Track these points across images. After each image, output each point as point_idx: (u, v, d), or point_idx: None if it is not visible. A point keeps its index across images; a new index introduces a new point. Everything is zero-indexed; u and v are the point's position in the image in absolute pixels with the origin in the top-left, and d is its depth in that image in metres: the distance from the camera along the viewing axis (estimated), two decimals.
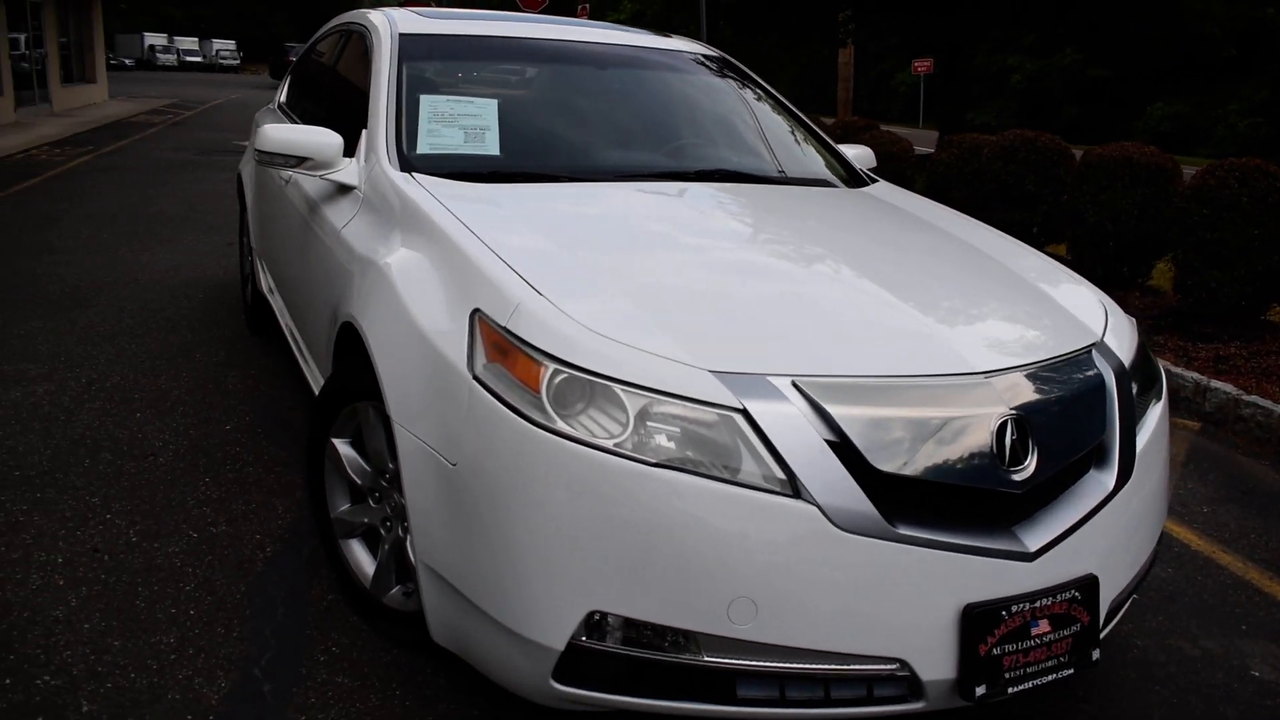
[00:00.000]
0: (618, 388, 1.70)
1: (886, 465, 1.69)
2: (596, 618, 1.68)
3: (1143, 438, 2.04)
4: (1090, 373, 2.00)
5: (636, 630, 1.69)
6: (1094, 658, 1.85)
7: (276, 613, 2.40)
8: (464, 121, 2.84)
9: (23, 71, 16.56)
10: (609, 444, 1.67)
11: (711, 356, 1.75)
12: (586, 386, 1.71)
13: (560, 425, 1.69)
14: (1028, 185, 6.72)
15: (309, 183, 3.08)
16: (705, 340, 1.79)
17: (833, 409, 1.70)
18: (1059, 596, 1.78)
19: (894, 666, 1.71)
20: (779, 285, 2.09)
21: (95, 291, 5.38)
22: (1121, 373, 2.05)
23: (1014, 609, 1.73)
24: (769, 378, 1.72)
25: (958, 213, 2.94)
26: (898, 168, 8.47)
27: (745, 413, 1.67)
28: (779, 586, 1.64)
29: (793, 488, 1.65)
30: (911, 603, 1.68)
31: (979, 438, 1.76)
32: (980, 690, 1.71)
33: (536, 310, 1.83)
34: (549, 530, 1.68)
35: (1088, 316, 2.22)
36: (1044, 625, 1.77)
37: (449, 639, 1.94)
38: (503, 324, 1.83)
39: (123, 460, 3.21)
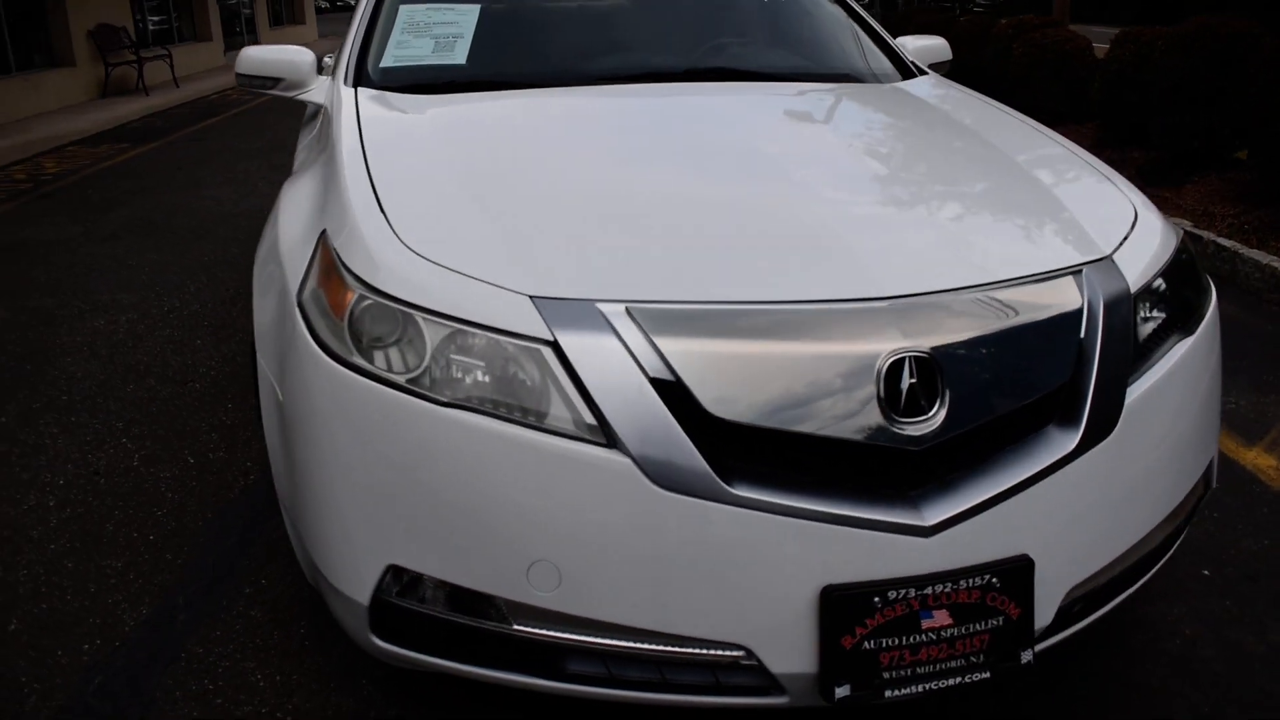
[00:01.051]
0: (418, 315, 1.47)
1: (728, 411, 1.37)
2: (399, 573, 1.50)
3: (1147, 384, 1.58)
4: (1065, 298, 1.55)
5: (443, 589, 1.50)
6: (1024, 660, 1.46)
7: (228, 542, 2.40)
8: (437, 30, 2.65)
9: (233, 16, 17.88)
10: (401, 380, 1.46)
11: (541, 280, 1.47)
12: (395, 316, 1.50)
13: (355, 358, 1.50)
14: (1204, 82, 5.65)
15: None
16: (545, 262, 1.52)
17: (664, 341, 1.39)
18: (967, 583, 1.40)
19: (739, 654, 1.42)
20: (677, 196, 1.76)
21: (216, 224, 5.71)
22: (1119, 300, 1.58)
23: (892, 595, 1.37)
24: (599, 304, 1.43)
25: (1007, 110, 2.42)
26: (1068, 68, 7.43)
27: (556, 345, 1.41)
28: (585, 552, 1.38)
29: (606, 436, 1.37)
30: (755, 581, 1.37)
31: (862, 380, 1.40)
32: (842, 691, 1.38)
33: (367, 230, 1.62)
34: (344, 476, 1.50)
35: (1101, 228, 1.73)
36: (942, 617, 1.40)
37: (310, 580, 1.83)
38: (334, 244, 1.66)
39: (162, 386, 3.36)
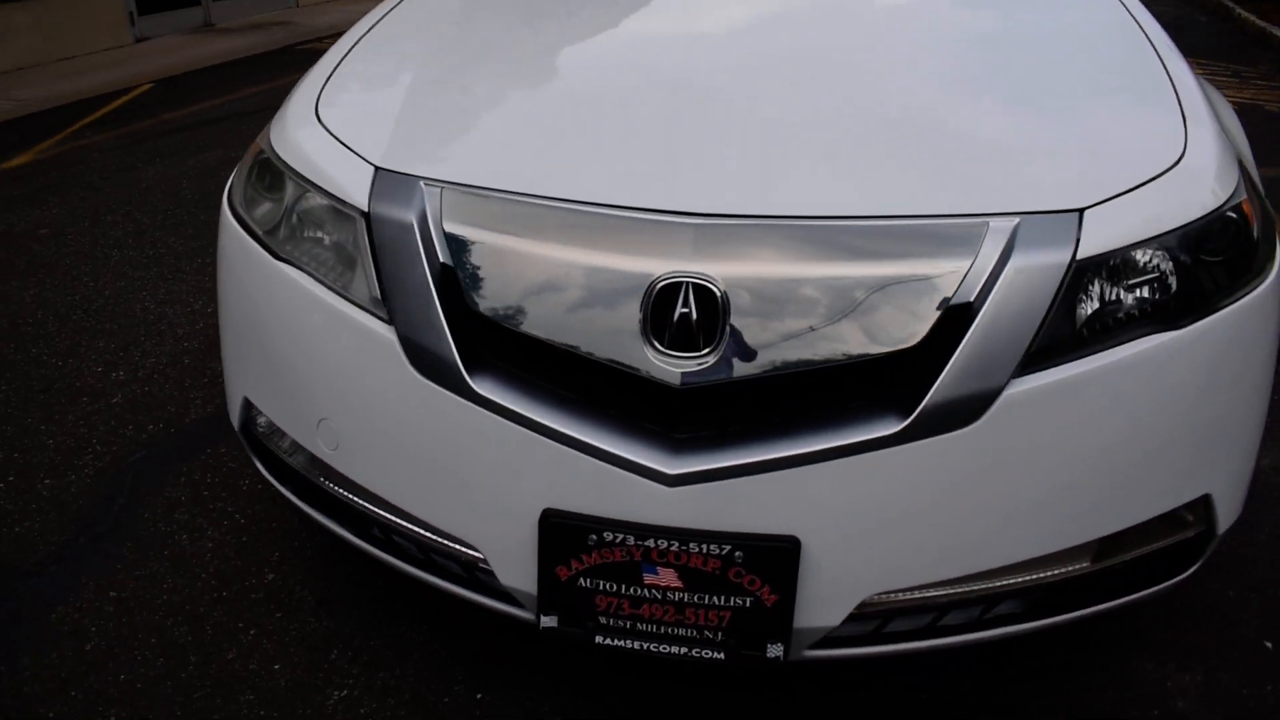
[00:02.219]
0: (286, 173, 1.55)
1: (488, 307, 1.30)
2: (249, 405, 1.63)
3: (1061, 376, 1.23)
4: (950, 252, 1.24)
5: (274, 428, 1.61)
6: (771, 654, 1.25)
7: (203, 411, 2.53)
8: None
9: None
10: (259, 231, 1.56)
11: (402, 154, 1.47)
12: (273, 171, 1.59)
13: (240, 209, 1.63)
14: None
15: None
16: (418, 140, 1.50)
17: (453, 225, 1.35)
18: (702, 549, 1.23)
19: (479, 557, 1.37)
20: (647, 90, 1.57)
21: None
22: (1046, 267, 1.23)
23: (609, 537, 1.25)
24: (423, 182, 1.41)
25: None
26: None
27: (367, 216, 1.41)
28: (355, 420, 1.40)
29: (388, 312, 1.38)
30: (487, 486, 1.31)
31: (629, 300, 1.25)
32: (549, 621, 1.29)
33: (299, 95, 1.72)
34: (225, 312, 1.66)
35: (1098, 172, 1.34)
36: (668, 577, 1.25)
37: None
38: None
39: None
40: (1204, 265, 1.34)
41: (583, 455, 1.26)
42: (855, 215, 1.27)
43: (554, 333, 1.28)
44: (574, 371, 1.30)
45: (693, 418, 1.26)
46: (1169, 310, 1.31)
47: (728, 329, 1.23)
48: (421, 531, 1.44)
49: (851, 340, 1.23)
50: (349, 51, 1.84)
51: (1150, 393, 1.29)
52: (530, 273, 1.30)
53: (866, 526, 1.24)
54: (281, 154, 1.58)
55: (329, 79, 1.74)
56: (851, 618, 1.30)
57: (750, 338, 1.23)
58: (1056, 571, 1.36)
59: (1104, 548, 1.38)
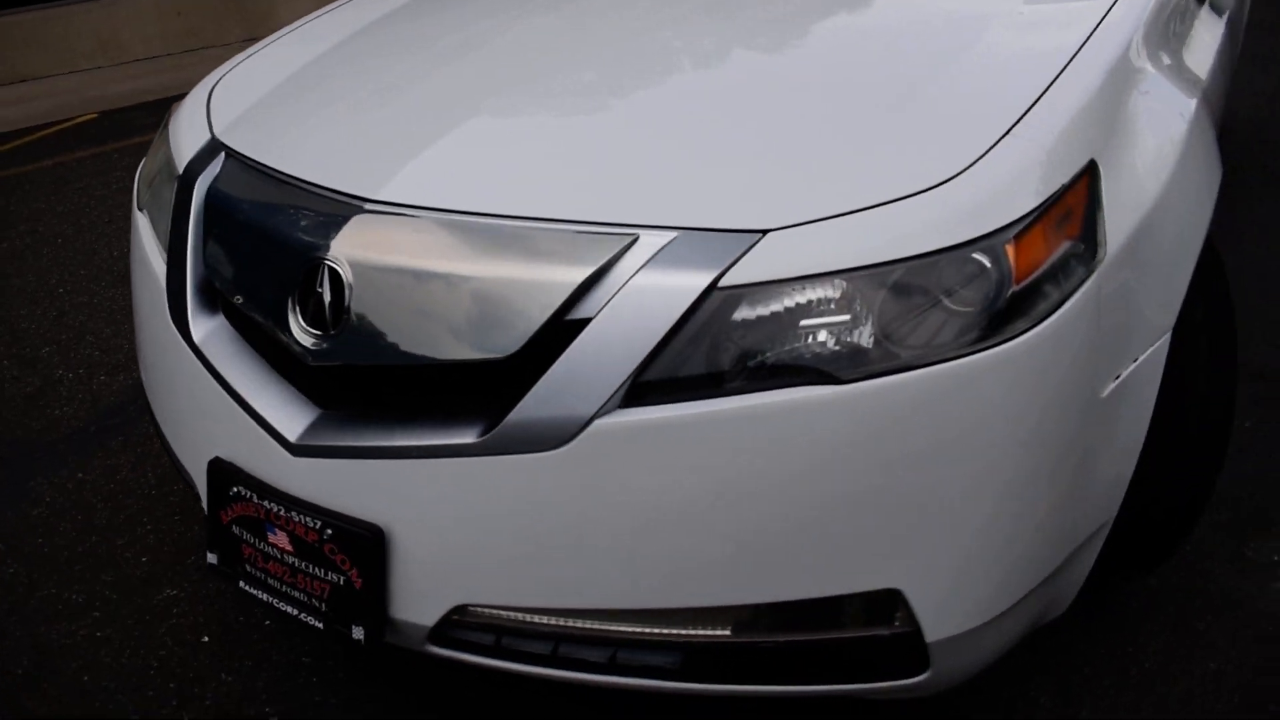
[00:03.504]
0: (162, 138, 1.77)
1: (210, 266, 1.44)
2: None
3: (678, 414, 1.11)
4: (573, 262, 1.17)
5: None
6: (355, 635, 1.25)
7: None
8: None
9: None
10: (136, 184, 1.80)
11: (236, 129, 1.61)
12: (161, 139, 1.80)
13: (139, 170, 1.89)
14: None
15: None
16: (264, 119, 1.61)
17: (217, 191, 1.49)
18: (304, 520, 1.28)
19: (195, 487, 1.50)
20: (435, 89, 1.57)
21: None
22: (676, 290, 1.12)
23: (242, 492, 1.33)
24: (224, 151, 1.55)
25: None
26: None
27: (181, 177, 1.58)
28: (150, 351, 1.60)
29: (165, 261, 1.54)
30: (193, 423, 1.45)
31: (292, 275, 1.32)
32: (211, 558, 1.39)
33: (201, 85, 1.88)
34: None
35: (816, 192, 1.18)
36: (282, 540, 1.30)
37: None
38: None
39: None
40: (908, 313, 1.14)
41: (241, 412, 1.36)
42: (496, 214, 1.24)
43: (245, 295, 1.39)
44: (255, 333, 1.40)
45: (324, 393, 1.32)
46: (839, 359, 1.13)
47: (348, 313, 1.26)
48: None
49: (457, 341, 1.21)
50: (270, 41, 2.02)
51: (792, 453, 1.13)
52: (243, 240, 1.41)
53: (454, 533, 1.22)
54: (169, 121, 1.81)
55: (239, 63, 1.93)
56: (459, 624, 1.29)
57: (368, 324, 1.25)
58: (690, 632, 1.24)
59: (760, 619, 1.23)
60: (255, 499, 1.34)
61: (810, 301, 1.14)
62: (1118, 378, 1.30)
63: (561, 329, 1.17)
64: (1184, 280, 1.41)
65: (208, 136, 1.63)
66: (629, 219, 1.20)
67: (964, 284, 1.14)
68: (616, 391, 1.14)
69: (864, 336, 1.13)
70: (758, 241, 1.15)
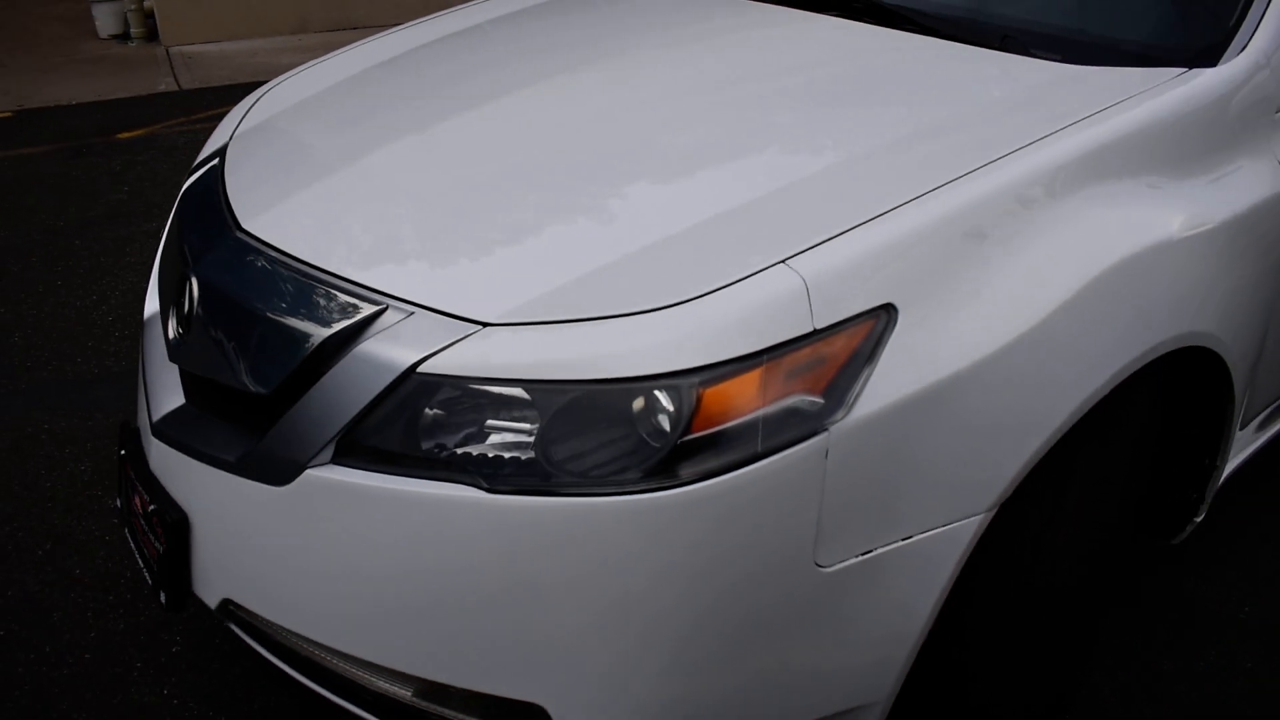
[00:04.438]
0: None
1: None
2: None
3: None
4: (336, 319, 1.26)
5: None
6: (162, 599, 1.44)
7: None
8: None
9: None
10: None
11: (237, 144, 1.83)
12: None
13: None
14: None
15: None
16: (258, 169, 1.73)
17: (194, 189, 1.74)
18: (145, 492, 1.49)
19: None
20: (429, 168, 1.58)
21: None
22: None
23: (128, 457, 1.57)
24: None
25: None
26: None
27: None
28: None
29: None
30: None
31: (180, 276, 1.55)
32: (117, 503, 1.62)
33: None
34: None
35: (561, 294, 1.18)
36: (138, 504, 1.52)
37: None
38: None
39: None
40: (574, 436, 1.11)
41: (143, 387, 1.61)
42: (304, 260, 1.37)
43: (163, 286, 1.66)
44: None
45: (188, 387, 1.52)
46: (497, 467, 1.14)
47: (191, 323, 1.46)
48: None
49: (244, 369, 1.35)
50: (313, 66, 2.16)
51: (444, 546, 1.16)
52: (175, 238, 1.68)
53: (223, 535, 1.38)
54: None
55: (289, 78, 2.12)
56: (232, 613, 1.44)
57: (198, 337, 1.44)
58: (386, 686, 1.30)
59: (434, 693, 1.26)
60: (131, 463, 1.59)
61: (491, 403, 1.16)
62: (866, 554, 1.16)
63: (310, 378, 1.28)
64: (1016, 461, 1.21)
65: (226, 140, 1.91)
66: (387, 288, 1.28)
67: (638, 419, 1.10)
68: (326, 446, 1.23)
69: (525, 450, 1.13)
70: (473, 333, 1.18)
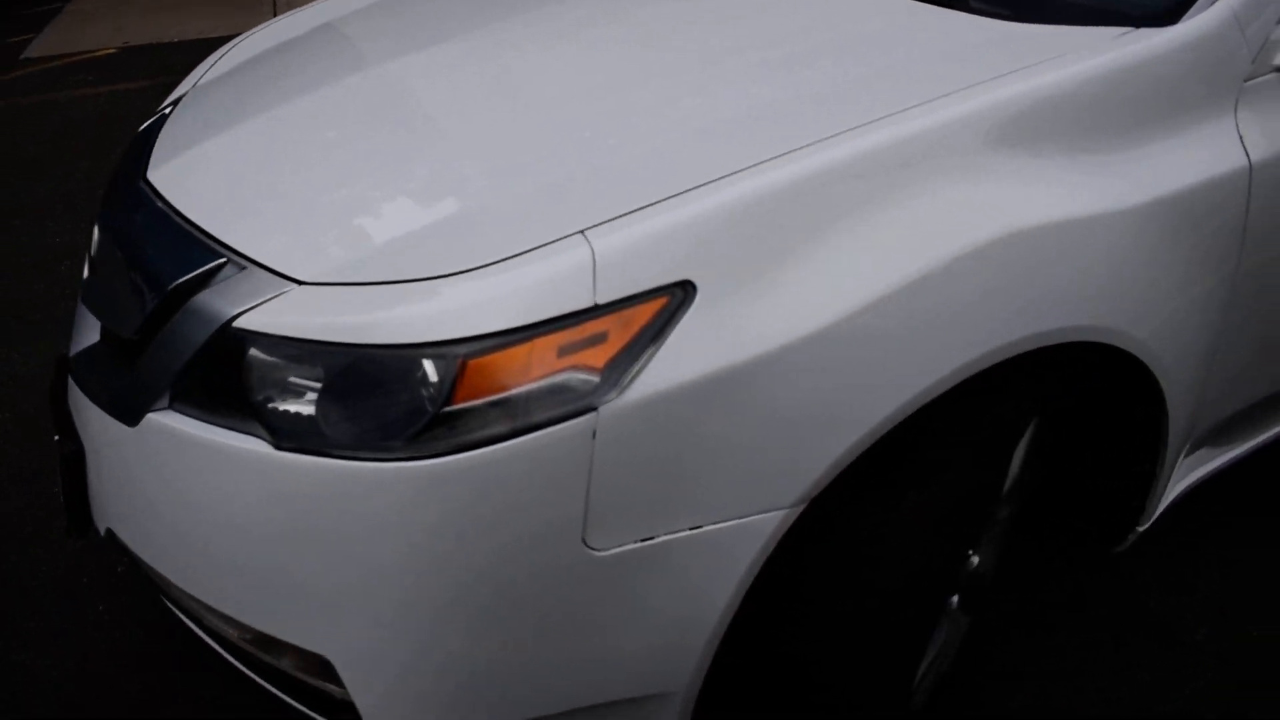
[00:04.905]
0: None
1: None
2: None
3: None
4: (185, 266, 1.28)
5: None
6: (69, 530, 1.56)
7: None
8: None
9: None
10: None
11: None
12: None
13: None
14: None
15: None
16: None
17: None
18: (57, 423, 1.57)
19: None
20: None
21: None
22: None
23: (59, 387, 1.61)
24: None
25: None
26: None
27: None
28: None
29: None
30: None
31: None
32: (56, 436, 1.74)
33: None
34: None
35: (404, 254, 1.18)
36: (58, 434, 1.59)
37: None
38: None
39: None
40: (350, 399, 1.11)
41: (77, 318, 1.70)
42: (183, 214, 1.40)
43: None
44: None
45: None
46: (284, 424, 1.15)
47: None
48: None
49: (120, 313, 1.41)
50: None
51: (239, 496, 1.18)
52: None
53: (101, 469, 1.45)
54: None
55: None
56: (118, 544, 1.49)
57: (99, 276, 1.53)
58: (222, 627, 1.34)
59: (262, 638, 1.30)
60: (53, 395, 1.69)
61: (287, 361, 1.16)
62: (647, 540, 1.11)
63: (160, 325, 1.32)
64: (826, 457, 1.12)
65: (187, 89, 1.97)
66: (233, 242, 1.30)
67: (405, 386, 1.08)
68: (164, 392, 1.27)
69: (308, 410, 1.13)
70: (286, 291, 1.19)
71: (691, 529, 1.13)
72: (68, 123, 4.22)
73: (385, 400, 1.10)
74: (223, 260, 1.29)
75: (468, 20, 1.87)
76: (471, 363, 1.07)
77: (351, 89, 1.66)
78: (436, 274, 1.13)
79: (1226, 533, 1.97)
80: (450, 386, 1.07)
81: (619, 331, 1.08)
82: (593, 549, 1.11)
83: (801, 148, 1.18)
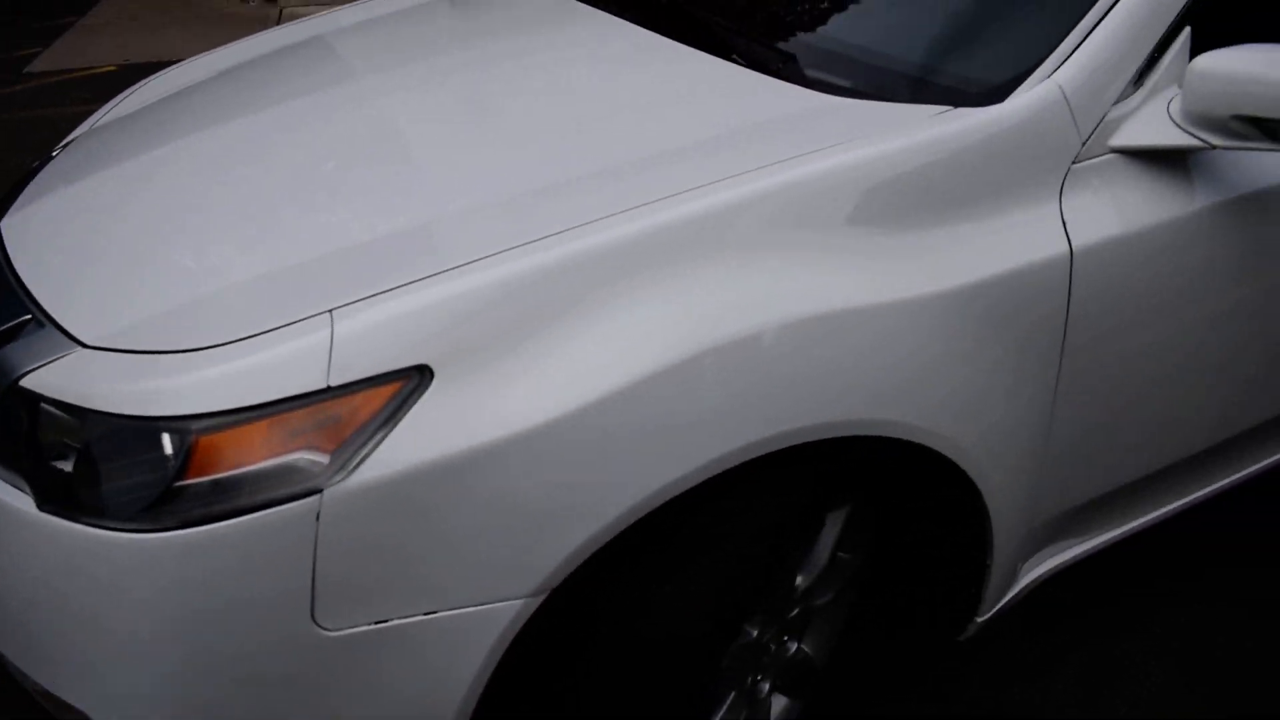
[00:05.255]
0: None
1: None
2: None
3: None
4: None
5: None
6: None
7: None
8: None
9: None
10: None
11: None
12: None
13: None
14: None
15: None
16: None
17: None
18: None
19: None
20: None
21: None
22: None
23: None
24: None
25: None
26: None
27: None
28: None
29: None
30: None
31: None
32: None
33: None
34: None
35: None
36: None
37: None
38: None
39: None
40: (96, 466, 1.11)
41: None
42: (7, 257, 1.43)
43: None
44: None
45: None
46: (42, 486, 1.15)
47: None
48: None
49: None
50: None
51: (9, 549, 1.18)
52: None
53: None
54: None
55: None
56: None
57: None
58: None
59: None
60: None
61: (57, 424, 1.16)
62: (381, 623, 1.09)
63: None
64: (563, 548, 1.10)
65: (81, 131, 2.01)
66: (41, 298, 1.31)
67: (145, 459, 1.08)
68: None
69: (66, 474, 1.13)
70: (69, 353, 1.20)
71: (427, 614, 1.11)
72: (60, 139, 4.34)
73: (127, 471, 1.10)
74: (28, 316, 1.31)
75: (294, 85, 1.88)
76: (204, 439, 1.07)
77: (191, 150, 1.67)
78: (189, 347, 1.13)
79: (1081, 621, 1.92)
80: (184, 461, 1.07)
81: (350, 414, 1.08)
82: (324, 628, 1.10)
83: (558, 232, 1.16)
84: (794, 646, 1.53)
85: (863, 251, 1.25)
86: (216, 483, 1.07)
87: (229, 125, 1.72)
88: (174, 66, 2.22)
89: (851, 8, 1.70)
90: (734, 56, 1.58)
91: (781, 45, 1.63)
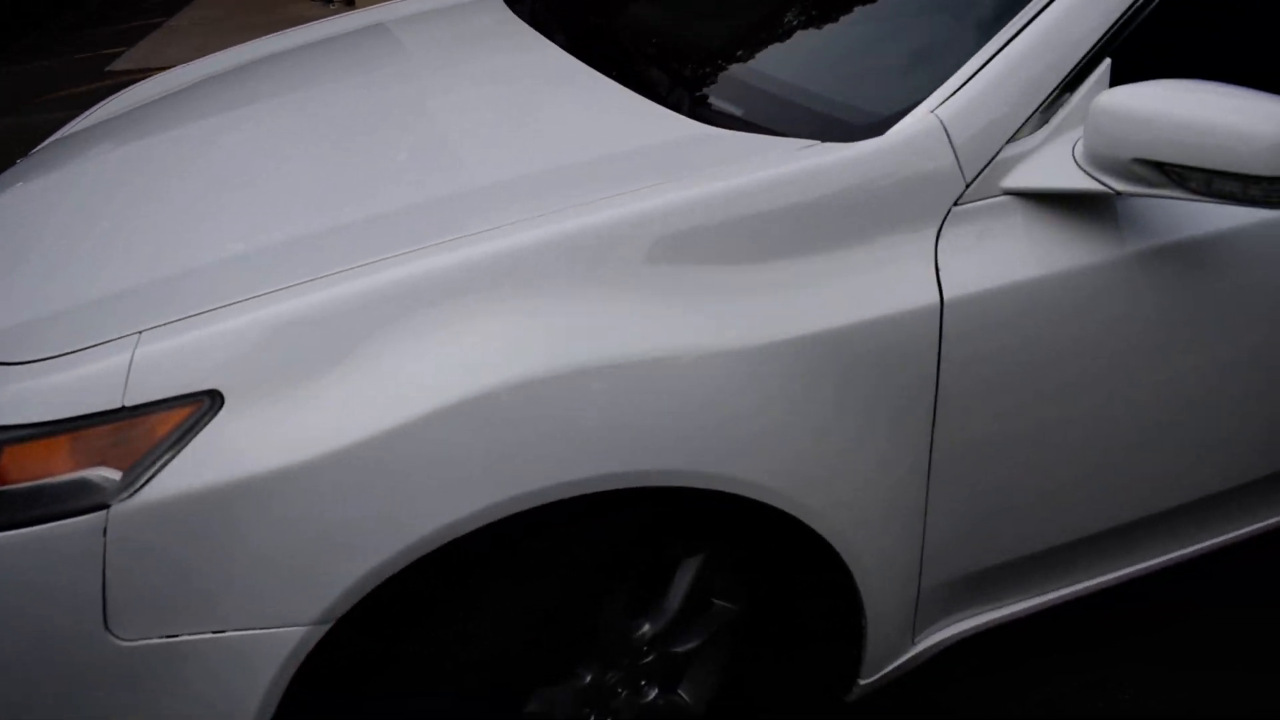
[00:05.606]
0: None
1: None
2: None
3: None
4: None
5: None
6: None
7: None
8: None
9: None
10: None
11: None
12: None
13: None
14: None
15: None
16: None
17: None
18: None
19: None
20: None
21: None
22: None
23: None
24: None
25: None
26: None
27: None
28: None
29: None
30: None
31: None
32: None
33: None
34: None
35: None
36: None
37: None
38: None
39: None
40: None
41: None
42: None
43: None
44: None
45: None
46: None
47: None
48: None
49: None
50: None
51: None
52: None
53: None
54: None
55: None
56: None
57: None
58: None
59: None
60: None
61: None
62: (171, 637, 1.12)
63: None
64: (345, 579, 1.09)
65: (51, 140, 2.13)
66: None
67: None
68: None
69: None
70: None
71: (215, 633, 1.13)
72: None
73: None
74: None
75: (198, 109, 1.94)
76: (9, 450, 1.13)
77: (80, 172, 1.74)
78: (8, 361, 1.18)
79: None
80: None
81: (145, 434, 1.11)
82: (119, 637, 1.13)
83: (358, 265, 1.16)
84: (653, 692, 1.48)
85: (686, 294, 1.19)
86: (19, 492, 1.13)
87: (124, 149, 1.80)
88: (144, 82, 2.33)
89: (748, 36, 1.63)
90: (633, 84, 1.54)
91: (677, 73, 1.59)
